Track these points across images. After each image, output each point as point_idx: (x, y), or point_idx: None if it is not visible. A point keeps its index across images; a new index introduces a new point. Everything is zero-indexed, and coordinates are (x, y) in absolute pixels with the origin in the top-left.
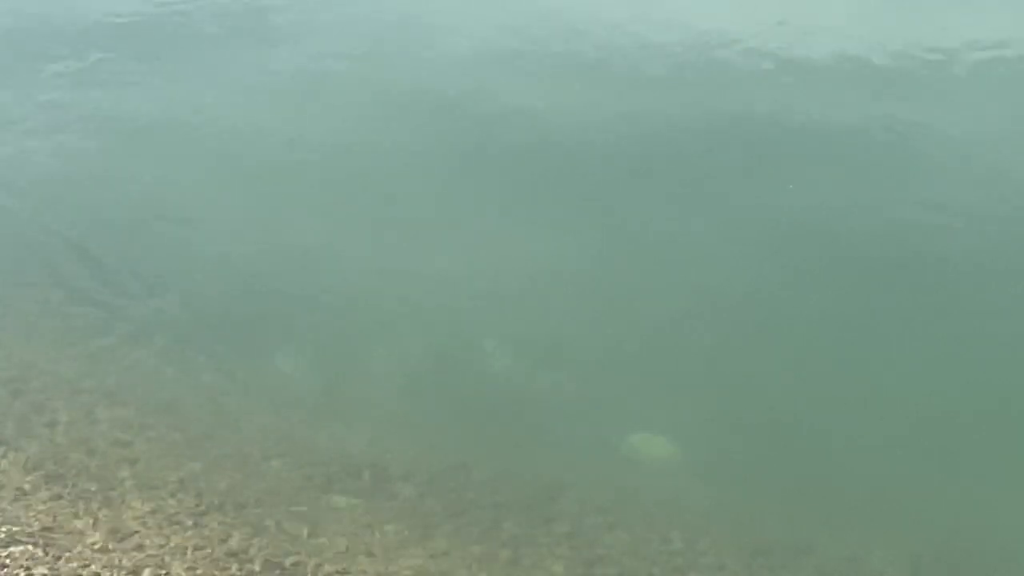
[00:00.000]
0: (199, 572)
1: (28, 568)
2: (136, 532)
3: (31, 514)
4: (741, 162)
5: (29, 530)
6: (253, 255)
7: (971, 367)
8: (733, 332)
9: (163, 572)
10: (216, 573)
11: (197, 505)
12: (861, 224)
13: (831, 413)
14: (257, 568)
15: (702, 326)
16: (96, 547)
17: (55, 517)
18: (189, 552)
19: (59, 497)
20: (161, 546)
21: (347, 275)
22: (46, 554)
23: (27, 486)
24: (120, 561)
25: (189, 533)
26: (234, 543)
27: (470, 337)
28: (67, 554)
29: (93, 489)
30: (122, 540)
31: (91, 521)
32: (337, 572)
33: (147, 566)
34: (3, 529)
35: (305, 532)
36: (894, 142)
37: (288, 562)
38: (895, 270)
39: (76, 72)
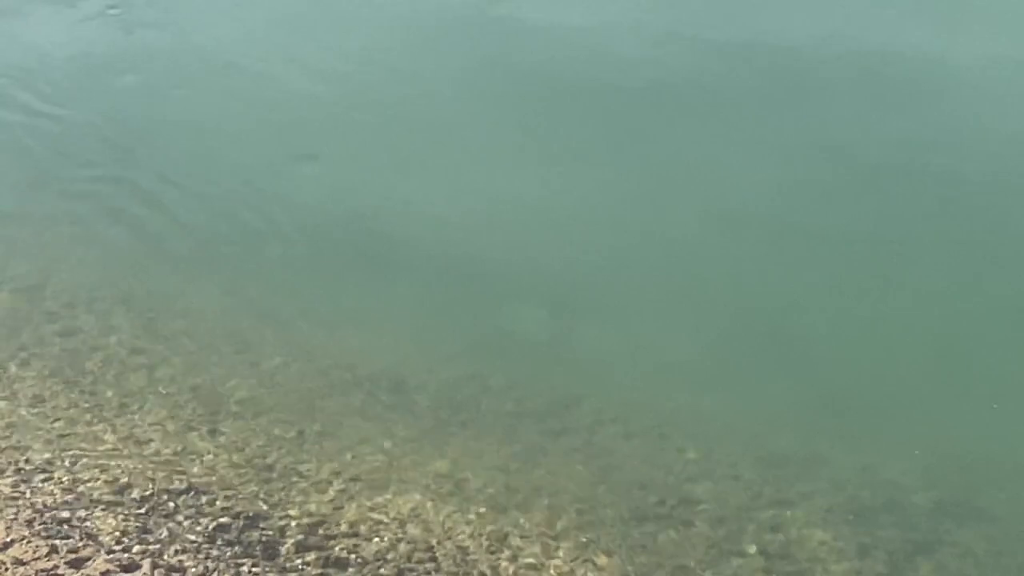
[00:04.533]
0: (216, 478)
1: (47, 472)
2: (152, 439)
3: (49, 420)
4: (768, 88)
5: (47, 436)
6: (278, 172)
7: (989, 281)
8: (752, 250)
9: (180, 478)
10: (233, 479)
11: (214, 412)
12: (888, 147)
13: (847, 326)
14: (274, 475)
15: (720, 244)
16: (114, 453)
17: (73, 423)
18: (207, 458)
19: (76, 404)
20: (178, 452)
21: (366, 195)
22: (63, 460)
23: (45, 393)
24: (137, 467)
25: (206, 440)
26: (251, 450)
27: (488, 254)
28: (84, 459)
29: (110, 395)
30: (139, 446)
31: (108, 427)
32: (352, 479)
33: (164, 472)
34: (22, 435)
35: (322, 440)
36: (926, 67)
37: (304, 469)
38: (919, 190)
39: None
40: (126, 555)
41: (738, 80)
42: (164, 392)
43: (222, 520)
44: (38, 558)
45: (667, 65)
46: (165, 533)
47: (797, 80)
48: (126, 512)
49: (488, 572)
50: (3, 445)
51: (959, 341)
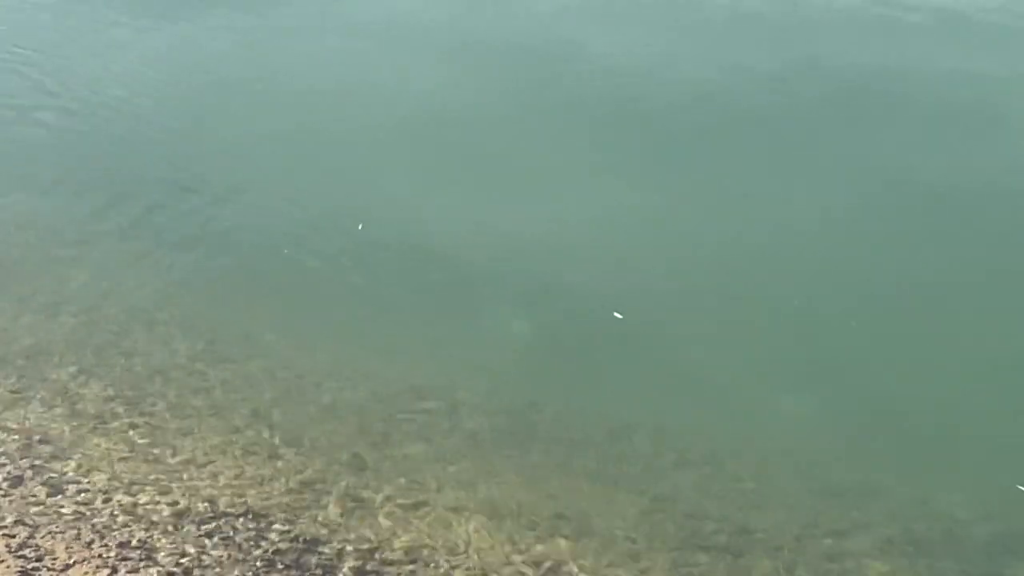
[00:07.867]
0: (275, 502)
1: (107, 494)
2: (212, 462)
3: (109, 442)
4: (828, 114)
5: (107, 458)
6: (340, 200)
7: None
8: (809, 278)
9: (239, 501)
10: (292, 503)
11: (271, 436)
12: (950, 174)
13: (902, 357)
14: (331, 499)
15: (778, 272)
16: (173, 476)
17: (132, 446)
18: (264, 483)
19: (136, 426)
20: (237, 476)
21: (423, 220)
22: (123, 482)
23: (106, 415)
24: (197, 490)
25: (264, 464)
26: (309, 474)
27: (542, 278)
28: (145, 481)
29: (169, 418)
30: (198, 469)
31: (168, 450)
32: (411, 504)
33: (224, 495)
34: (82, 456)
35: (379, 465)
36: (987, 98)
37: (363, 494)
38: (980, 219)
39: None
40: None
41: (798, 106)
42: (224, 415)
43: (281, 544)
44: None
45: (726, 92)
46: (225, 556)
47: (857, 106)
48: (185, 535)
49: None
50: (65, 467)
51: (1018, 372)
